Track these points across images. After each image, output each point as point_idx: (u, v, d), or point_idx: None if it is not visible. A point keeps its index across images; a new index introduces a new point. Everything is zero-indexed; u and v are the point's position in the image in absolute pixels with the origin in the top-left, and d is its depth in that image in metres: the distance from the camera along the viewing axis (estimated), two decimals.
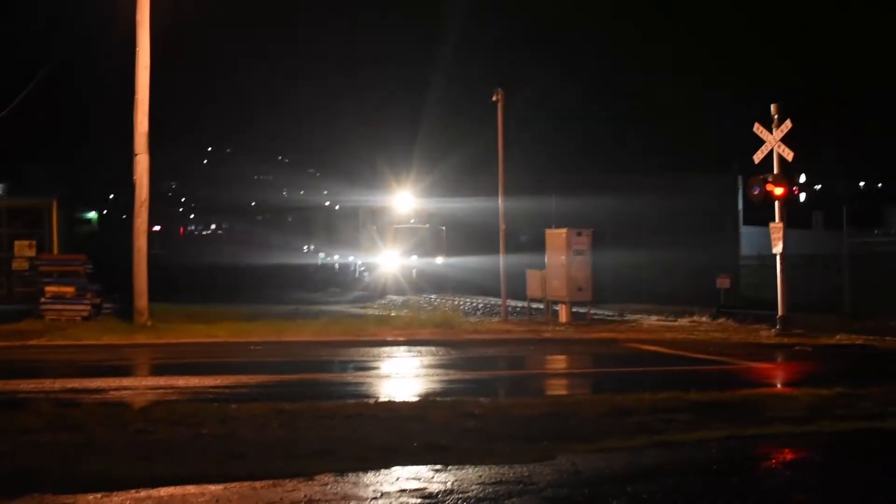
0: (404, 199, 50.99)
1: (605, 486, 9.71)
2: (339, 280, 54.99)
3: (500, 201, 34.09)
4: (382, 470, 10.41)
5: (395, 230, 48.52)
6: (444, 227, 48.87)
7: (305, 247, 63.89)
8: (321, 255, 59.86)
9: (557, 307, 32.90)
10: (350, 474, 10.14)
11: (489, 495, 9.37)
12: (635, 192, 46.19)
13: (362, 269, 51.58)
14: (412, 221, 49.52)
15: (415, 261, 48.05)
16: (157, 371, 20.81)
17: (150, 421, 12.87)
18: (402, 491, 9.59)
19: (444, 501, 9.20)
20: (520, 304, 35.36)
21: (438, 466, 10.58)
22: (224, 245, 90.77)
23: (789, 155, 28.01)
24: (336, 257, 56.15)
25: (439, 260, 47.94)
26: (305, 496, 9.35)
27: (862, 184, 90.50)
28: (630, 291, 38.71)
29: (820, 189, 76.29)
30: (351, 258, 53.92)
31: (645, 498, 9.30)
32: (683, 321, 32.67)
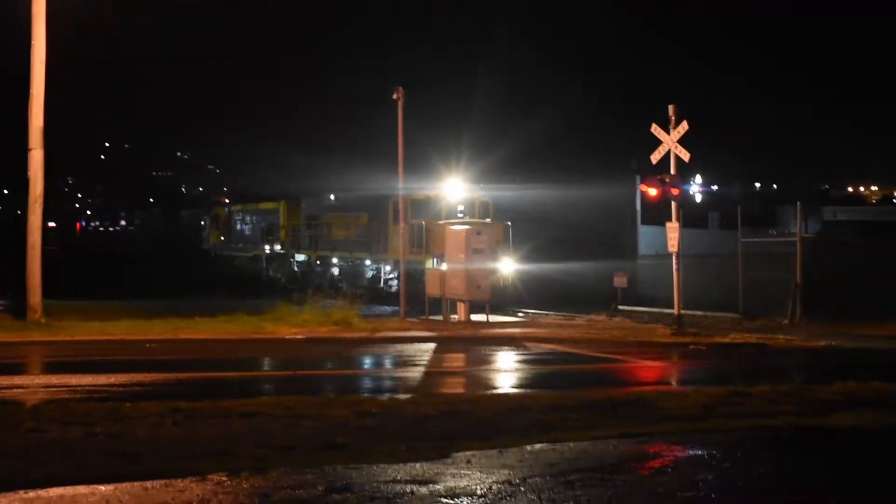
0: (454, 187, 40.62)
1: (500, 484, 9.76)
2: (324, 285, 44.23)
3: (400, 202, 34.04)
4: (277, 470, 10.34)
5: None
6: (509, 223, 39.44)
7: (268, 247, 55.41)
8: (299, 257, 51.56)
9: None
10: (244, 474, 10.06)
11: (384, 494, 9.36)
12: (544, 194, 46.26)
13: (391, 276, 41.10)
14: (461, 215, 39.72)
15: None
16: (50, 369, 20.53)
17: (42, 420, 12.69)
18: (296, 490, 9.54)
19: (337, 500, 9.17)
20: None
21: (335, 466, 10.54)
22: (138, 242, 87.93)
23: (686, 155, 28.34)
24: (335, 260, 46.67)
25: (506, 265, 37.77)
26: (198, 496, 9.27)
27: (758, 185, 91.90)
28: (540, 293, 38.71)
29: (717, 190, 77.34)
30: (366, 262, 43.91)
31: (538, 494, 9.36)
32: (581, 320, 32.92)
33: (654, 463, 11.01)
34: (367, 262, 42.98)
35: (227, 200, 79.87)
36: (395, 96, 32.88)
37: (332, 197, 48.66)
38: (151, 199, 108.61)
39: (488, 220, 39.34)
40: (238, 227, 62.54)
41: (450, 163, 42.62)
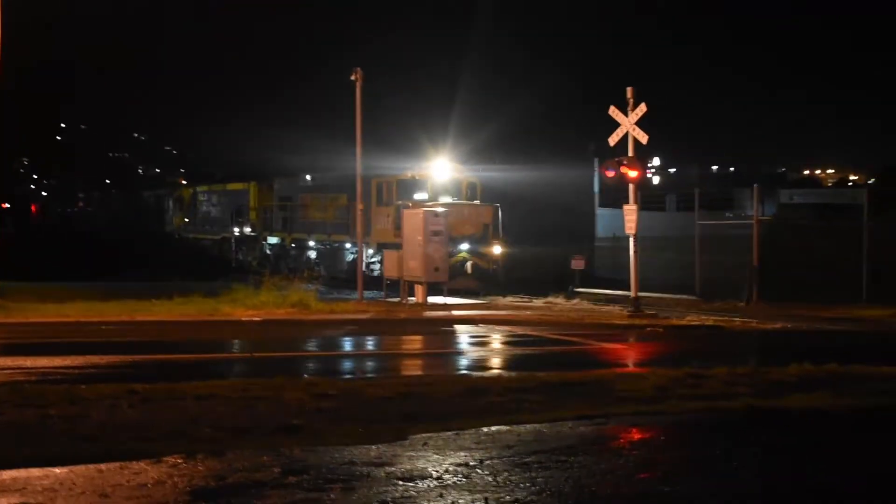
0: (441, 168, 39.29)
1: (456, 466, 9.75)
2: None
3: (358, 183, 33.92)
4: (233, 452, 10.28)
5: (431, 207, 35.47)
6: (498, 205, 38.02)
7: (236, 229, 54.08)
8: (271, 239, 50.17)
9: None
10: (200, 456, 10.01)
11: (341, 476, 9.33)
12: (521, 176, 45.85)
13: (373, 259, 39.47)
14: (454, 198, 38.20)
15: (463, 250, 36.58)
16: (4, 351, 20.31)
17: None
18: (252, 472, 9.49)
19: (293, 482, 9.13)
20: None
21: (291, 448, 10.50)
22: (97, 224, 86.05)
23: (643, 138, 28.42)
24: (312, 243, 45.20)
25: (496, 249, 36.87)
26: (153, 479, 9.20)
27: (715, 168, 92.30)
28: (524, 277, 38.44)
29: (675, 172, 77.63)
30: (346, 245, 41.93)
31: (495, 476, 9.36)
32: (539, 302, 32.99)
33: (611, 444, 11.03)
34: (348, 246, 41.68)
35: (183, 182, 79.11)
36: (353, 77, 32.78)
37: (307, 177, 47.45)
38: (108, 181, 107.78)
39: (476, 201, 38.52)
40: (204, 208, 61.30)
41: (437, 143, 42.04)
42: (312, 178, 46.99)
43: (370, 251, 39.58)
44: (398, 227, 35.88)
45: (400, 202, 37.27)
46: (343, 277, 35.30)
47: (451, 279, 34.42)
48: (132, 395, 13.28)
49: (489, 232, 36.90)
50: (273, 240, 50.02)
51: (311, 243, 45.53)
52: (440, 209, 33.07)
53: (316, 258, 44.96)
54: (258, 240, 51.83)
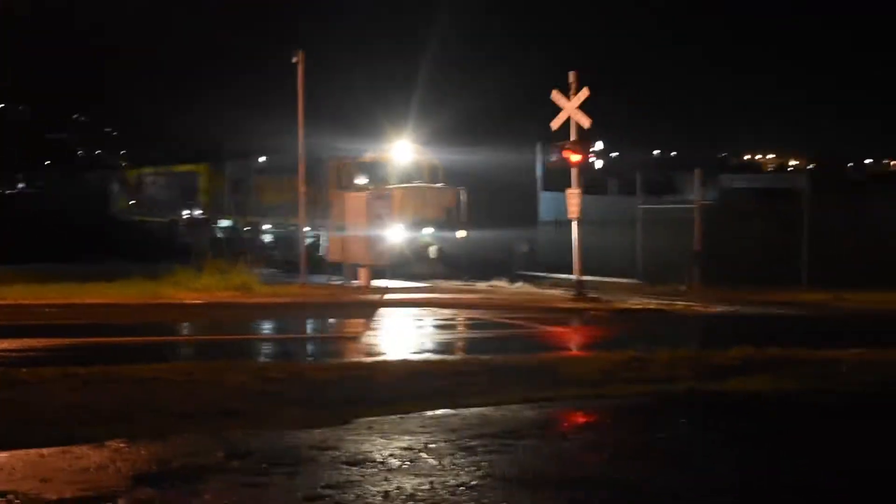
0: (404, 149, 38.30)
1: (401, 450, 9.72)
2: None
3: (301, 165, 33.75)
4: (176, 436, 10.20)
5: (395, 192, 35.84)
6: (462, 188, 37.19)
7: (185, 211, 52.42)
8: (222, 223, 48.40)
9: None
10: (143, 441, 9.92)
11: (284, 461, 9.26)
12: (467, 161, 45.43)
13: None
14: (416, 180, 37.37)
15: (429, 234, 35.81)
16: None
17: None
18: (196, 456, 9.41)
19: (237, 467, 9.06)
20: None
21: (234, 432, 10.42)
22: (37, 206, 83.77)
23: (586, 122, 28.49)
24: (268, 226, 43.56)
25: (460, 233, 36.21)
26: (95, 463, 9.10)
27: (657, 152, 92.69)
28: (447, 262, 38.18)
29: (617, 156, 77.88)
30: (305, 228, 37.52)
31: (440, 460, 9.33)
32: (482, 285, 33.01)
33: (556, 428, 11.05)
34: (306, 229, 40.74)
35: (123, 165, 78.05)
36: (294, 60, 32.58)
37: (261, 159, 46.02)
38: (48, 162, 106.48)
39: (440, 184, 37.70)
40: (151, 190, 59.32)
41: (398, 124, 40.49)
42: (267, 160, 45.58)
43: (327, 235, 38.91)
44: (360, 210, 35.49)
45: (359, 185, 36.53)
46: (298, 262, 34.71)
47: (416, 264, 34.24)
48: (73, 378, 13.16)
49: (453, 215, 36.39)
50: (225, 223, 48.87)
51: (266, 227, 44.42)
52: (385, 192, 32.99)
53: (271, 242, 43.79)
54: (209, 223, 50.51)
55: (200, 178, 51.87)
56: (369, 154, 38.28)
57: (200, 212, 51.55)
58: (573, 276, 29.18)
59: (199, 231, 51.10)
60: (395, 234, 34.07)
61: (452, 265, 35.85)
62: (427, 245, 35.47)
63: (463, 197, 36.84)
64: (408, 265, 34.34)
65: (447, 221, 35.91)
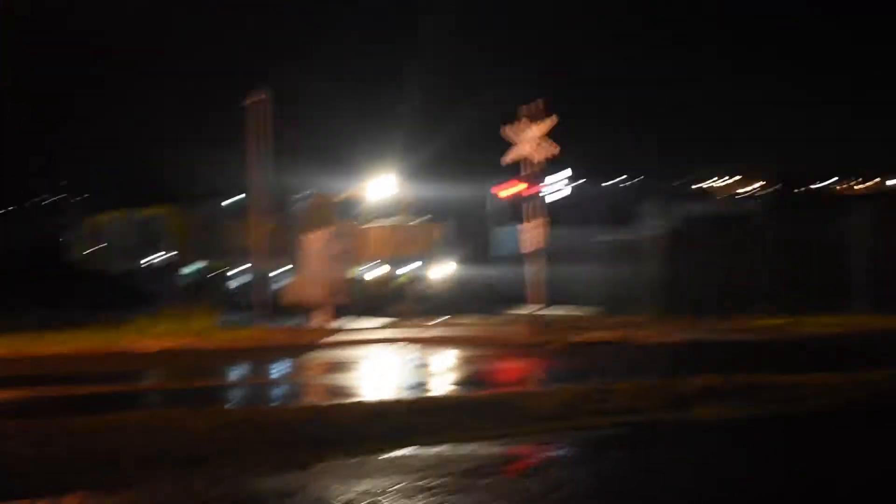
0: (381, 186, 37.97)
1: (360, 494, 9.58)
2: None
3: (251, 207, 33.60)
4: (134, 488, 10.02)
5: (370, 229, 35.95)
6: (444, 223, 37.48)
7: (150, 257, 50.64)
8: (189, 268, 47.51)
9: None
10: (100, 493, 9.74)
11: None
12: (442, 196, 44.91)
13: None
14: (395, 217, 37.13)
15: (406, 272, 36.12)
16: None
17: None
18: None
19: None
20: None
21: (193, 481, 10.25)
22: None
23: (537, 157, 28.48)
24: (237, 270, 42.22)
25: (444, 269, 36.43)
26: None
27: (617, 180, 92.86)
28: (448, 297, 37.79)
29: (576, 186, 78.00)
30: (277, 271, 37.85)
31: (401, 503, 9.21)
32: (440, 321, 32.85)
33: (519, 465, 10.93)
34: (279, 272, 38.34)
35: (76, 212, 76.75)
36: (247, 102, 32.51)
37: (229, 201, 44.93)
38: None
39: (418, 220, 37.45)
40: (112, 236, 56.13)
41: (375, 160, 40.42)
42: (236, 201, 44.01)
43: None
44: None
45: (336, 224, 35.79)
46: (272, 305, 33.87)
47: (394, 303, 34.04)
48: (28, 430, 12.92)
49: (434, 251, 36.23)
50: (190, 269, 47.77)
51: (236, 270, 43.05)
52: (342, 232, 32.87)
53: (238, 287, 41.91)
54: (173, 269, 49.14)
55: (165, 222, 50.61)
56: (346, 192, 37.76)
57: (165, 256, 50.15)
58: (532, 309, 29.06)
59: (164, 278, 49.20)
60: (364, 273, 33.94)
61: (433, 301, 35.57)
62: (409, 281, 35.31)
63: (443, 232, 36.81)
64: (383, 304, 34.10)
65: (430, 257, 35.77)
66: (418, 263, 35.68)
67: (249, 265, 40.33)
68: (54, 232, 70.25)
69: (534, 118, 28.48)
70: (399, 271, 35.59)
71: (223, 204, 44.90)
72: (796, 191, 76.63)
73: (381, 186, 37.69)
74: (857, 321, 28.74)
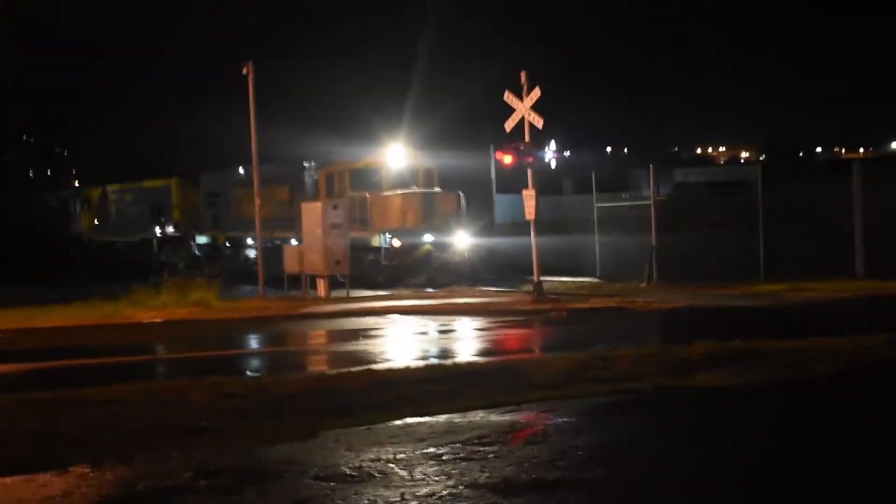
0: (397, 154, 37.12)
1: (370, 462, 9.64)
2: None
3: (254, 175, 33.56)
4: (141, 458, 10.08)
5: (392, 197, 35.42)
6: (461, 193, 36.50)
7: (158, 229, 49.57)
8: (200, 239, 46.32)
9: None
10: (107, 465, 9.79)
11: (253, 478, 9.17)
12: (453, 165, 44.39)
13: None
14: (413, 186, 36.41)
15: (427, 242, 35.47)
16: None
17: None
18: (163, 478, 9.30)
19: (205, 486, 8.96)
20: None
21: (201, 451, 10.31)
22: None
23: (539, 122, 28.47)
24: (251, 241, 40.41)
25: (462, 238, 35.73)
26: (61, 490, 8.98)
27: (609, 149, 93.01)
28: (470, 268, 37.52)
29: (570, 155, 78.07)
30: (291, 242, 36.93)
31: (410, 471, 9.27)
32: (441, 290, 32.91)
33: (525, 432, 10.98)
34: (294, 242, 37.00)
35: (76, 183, 76.40)
36: (244, 71, 32.41)
37: (240, 170, 43.10)
38: None
39: (437, 189, 36.86)
40: (117, 208, 56.21)
41: (392, 128, 39.88)
42: (245, 171, 42.07)
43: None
44: (353, 219, 34.53)
45: (354, 193, 35.64)
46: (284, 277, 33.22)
47: (416, 274, 33.87)
48: (33, 403, 12.99)
49: (453, 221, 35.76)
50: (203, 239, 46.94)
51: (250, 241, 41.58)
52: (339, 202, 32.83)
53: (255, 257, 38.83)
54: (184, 240, 48.26)
55: (172, 193, 49.67)
56: (362, 160, 37.28)
57: (173, 228, 49.39)
58: (532, 278, 29.12)
59: (174, 249, 49.13)
60: (415, 243, 33.85)
61: (455, 273, 35.34)
62: (429, 253, 35.16)
63: (462, 202, 36.30)
64: (406, 274, 33.88)
65: (447, 227, 35.49)
66: (440, 233, 35.32)
67: (264, 235, 39.79)
68: (56, 205, 69.65)
69: (529, 87, 28.47)
70: (421, 240, 35.27)
71: (235, 173, 43.81)
72: (791, 157, 76.71)
73: (397, 154, 37.06)
74: (855, 286, 28.87)
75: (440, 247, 35.58)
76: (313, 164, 37.20)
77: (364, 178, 36.73)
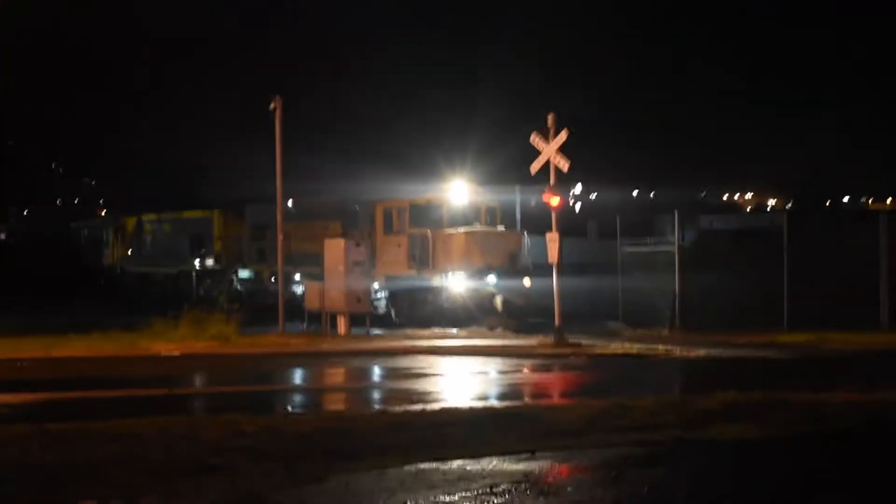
0: (459, 191, 35.82)
1: None
2: None
3: (278, 212, 33.52)
4: (149, 496, 9.95)
5: (455, 235, 34.07)
6: (524, 232, 35.41)
7: (198, 262, 47.99)
8: (242, 273, 44.99)
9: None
10: (113, 499, 9.67)
11: None
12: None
13: (377, 295, 36.04)
14: (476, 224, 35.15)
15: (490, 283, 33.96)
16: None
17: None
18: None
19: None
20: None
21: (209, 490, 10.17)
22: (19, 257, 76.58)
23: (565, 165, 28.35)
24: (298, 276, 39.45)
25: (526, 281, 34.08)
26: None
27: (635, 193, 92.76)
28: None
29: (595, 198, 77.94)
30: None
31: None
32: (462, 331, 32.71)
33: (539, 482, 10.79)
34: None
35: (102, 213, 76.19)
36: (272, 107, 32.44)
37: (288, 203, 40.85)
38: (26, 212, 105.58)
39: (501, 227, 35.89)
40: (153, 239, 54.13)
41: (453, 163, 38.55)
42: (294, 204, 41.69)
43: (375, 285, 35.86)
44: (413, 257, 34.18)
45: (413, 230, 34.72)
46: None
47: (480, 317, 33.24)
48: (45, 435, 12.89)
49: (516, 262, 34.62)
50: (245, 273, 45.37)
51: (297, 277, 40.24)
52: (361, 240, 32.74)
53: (303, 293, 37.52)
54: (225, 273, 46.78)
55: (214, 225, 47.85)
56: (423, 196, 36.20)
57: (213, 261, 47.71)
58: (553, 321, 28.87)
59: (214, 283, 47.74)
60: (477, 285, 33.51)
61: (520, 316, 34.14)
62: (493, 295, 34.03)
63: (527, 241, 35.16)
64: (470, 315, 33.17)
65: (510, 268, 34.32)
66: (504, 273, 34.07)
67: (312, 271, 37.98)
68: (87, 234, 68.83)
69: (556, 129, 28.37)
70: (485, 281, 33.94)
71: (286, 205, 42.65)
72: (817, 206, 76.43)
73: (460, 191, 35.94)
74: (882, 339, 28.61)
75: (505, 288, 34.25)
76: (370, 199, 36.36)
77: (425, 214, 35.61)
